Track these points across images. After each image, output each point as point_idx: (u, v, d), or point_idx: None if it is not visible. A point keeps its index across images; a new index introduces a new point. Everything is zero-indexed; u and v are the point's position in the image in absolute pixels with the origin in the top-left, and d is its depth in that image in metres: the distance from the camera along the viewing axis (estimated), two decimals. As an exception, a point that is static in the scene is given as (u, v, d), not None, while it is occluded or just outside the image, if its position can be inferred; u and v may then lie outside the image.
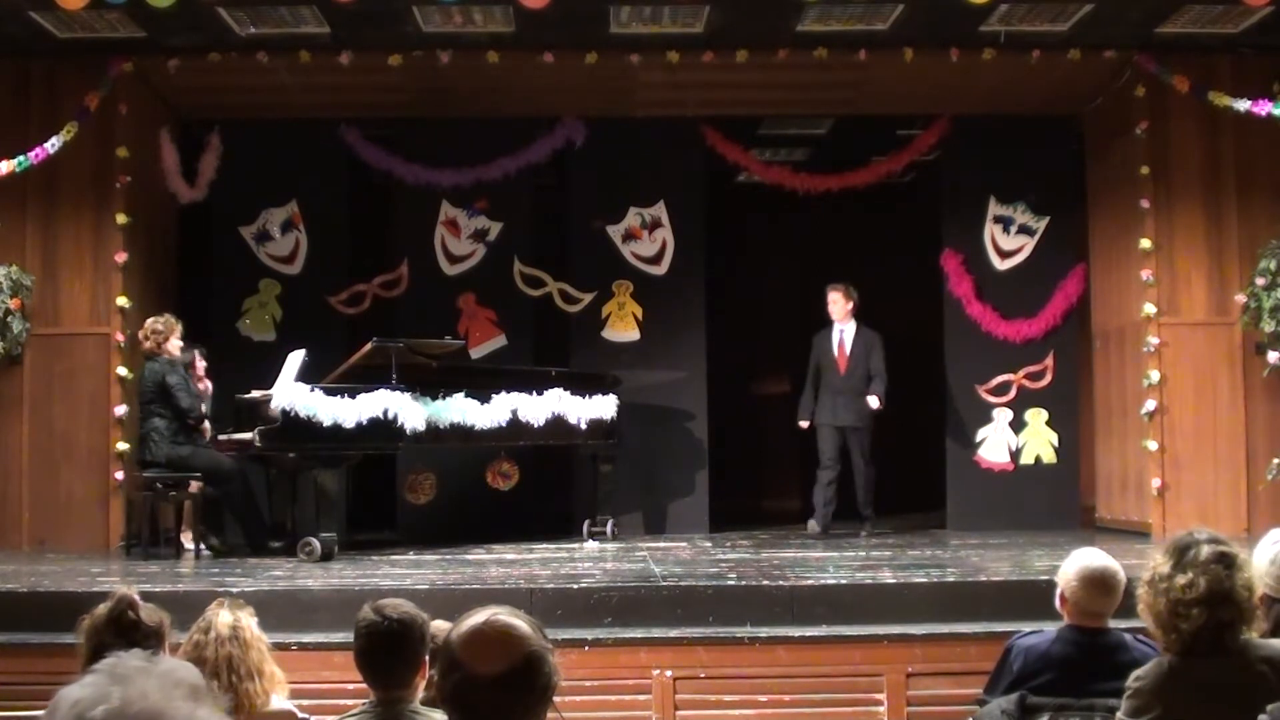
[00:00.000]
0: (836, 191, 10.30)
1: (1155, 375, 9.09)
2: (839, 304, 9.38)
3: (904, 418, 10.09)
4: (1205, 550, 3.05)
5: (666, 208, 10.17)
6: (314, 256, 10.10)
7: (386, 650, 3.22)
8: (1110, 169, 9.79)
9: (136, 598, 3.55)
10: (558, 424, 8.74)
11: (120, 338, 8.91)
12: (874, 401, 9.18)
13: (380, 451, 8.50)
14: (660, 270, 10.20)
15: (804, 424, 9.42)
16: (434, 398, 8.11)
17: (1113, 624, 3.84)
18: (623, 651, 5.88)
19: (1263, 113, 8.30)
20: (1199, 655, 3.00)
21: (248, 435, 7.94)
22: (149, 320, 8.30)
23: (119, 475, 8.81)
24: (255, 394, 8.21)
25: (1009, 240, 10.15)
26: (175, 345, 8.26)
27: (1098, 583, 3.74)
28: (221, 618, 3.57)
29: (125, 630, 3.39)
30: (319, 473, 7.75)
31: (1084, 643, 3.77)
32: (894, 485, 11.67)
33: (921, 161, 10.63)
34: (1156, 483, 9.03)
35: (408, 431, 7.89)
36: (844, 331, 9.37)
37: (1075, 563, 3.80)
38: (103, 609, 3.51)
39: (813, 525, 9.28)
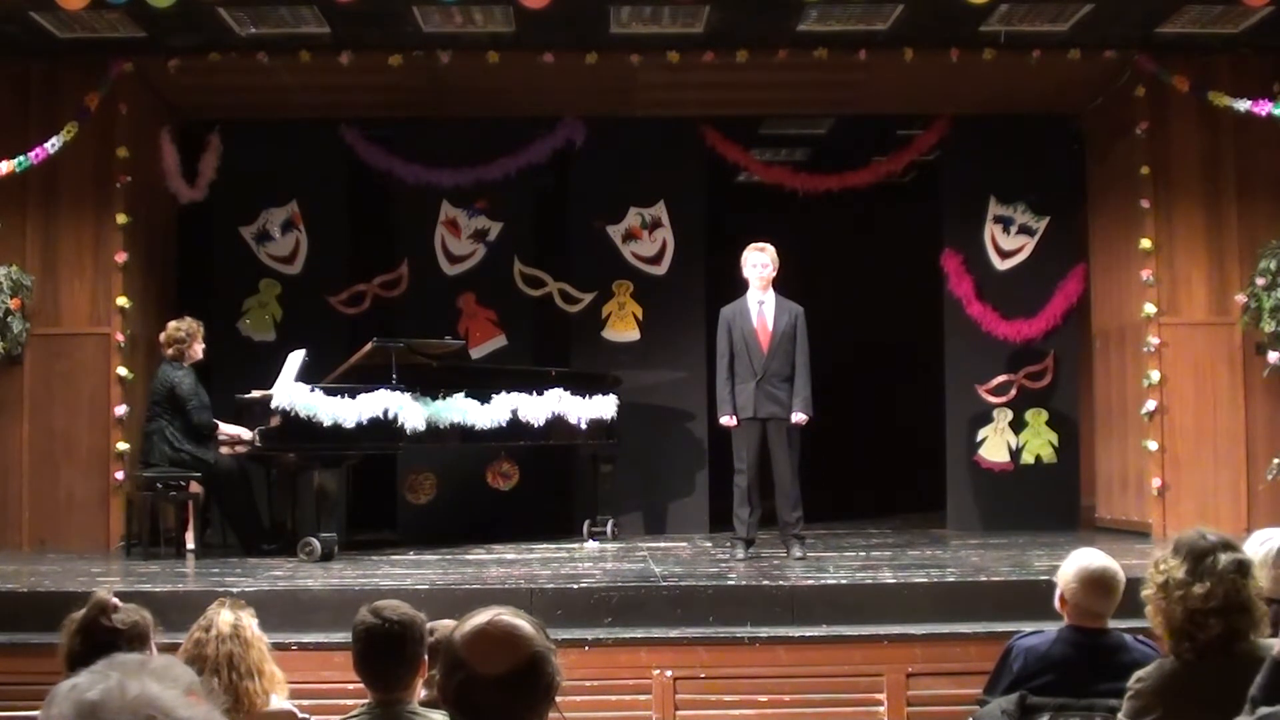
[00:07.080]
0: (837, 191, 10.29)
1: (1155, 375, 9.09)
2: (767, 268, 7.70)
3: (904, 418, 10.09)
4: (1224, 559, 3.02)
5: (666, 208, 10.17)
6: (314, 256, 10.09)
7: (385, 652, 3.22)
8: (1110, 169, 9.79)
9: (114, 601, 3.49)
10: (558, 424, 8.74)
11: (120, 338, 8.90)
12: (800, 417, 7.58)
13: (380, 451, 8.48)
14: (660, 270, 10.19)
15: (731, 421, 7.68)
16: (434, 398, 8.10)
17: (1112, 624, 3.85)
18: (623, 651, 5.88)
19: (1263, 113, 8.30)
20: (1208, 660, 2.99)
21: (247, 435, 7.95)
22: (171, 325, 8.26)
23: (119, 475, 8.81)
24: (255, 394, 8.21)
25: (1009, 240, 10.14)
26: (200, 349, 8.25)
27: (1097, 583, 3.74)
28: (223, 616, 3.57)
29: (103, 641, 3.26)
30: (319, 473, 7.75)
31: (1084, 643, 3.78)
32: (894, 485, 11.71)
33: (921, 161, 10.62)
34: (1156, 483, 9.02)
35: (408, 431, 7.88)
36: (764, 303, 7.74)
37: (1074, 563, 3.81)
38: (77, 616, 3.45)
39: (738, 550, 7.71)
